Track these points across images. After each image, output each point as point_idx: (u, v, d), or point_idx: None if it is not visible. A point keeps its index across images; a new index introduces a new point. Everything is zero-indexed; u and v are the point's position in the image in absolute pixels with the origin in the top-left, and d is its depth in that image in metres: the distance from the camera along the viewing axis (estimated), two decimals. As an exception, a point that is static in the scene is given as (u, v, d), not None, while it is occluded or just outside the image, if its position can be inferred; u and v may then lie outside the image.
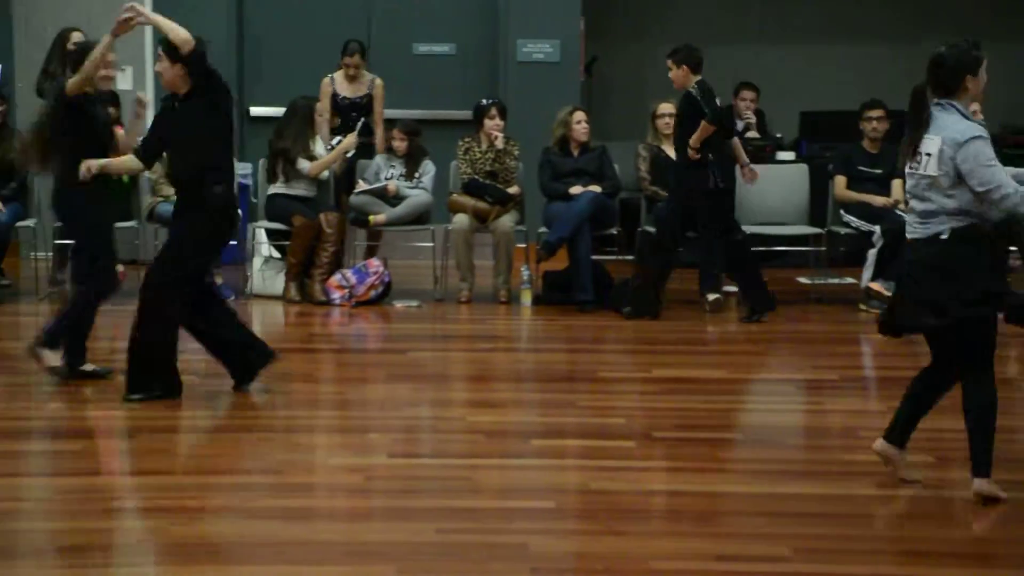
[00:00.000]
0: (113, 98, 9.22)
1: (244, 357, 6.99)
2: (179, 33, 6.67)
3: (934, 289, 5.20)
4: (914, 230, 5.31)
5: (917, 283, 5.29)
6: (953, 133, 5.19)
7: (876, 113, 9.96)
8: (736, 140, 9.59)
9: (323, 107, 10.29)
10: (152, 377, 6.76)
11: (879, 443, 5.53)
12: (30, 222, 9.95)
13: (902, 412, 5.51)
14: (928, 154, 5.22)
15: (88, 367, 7.20)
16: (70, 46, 9.99)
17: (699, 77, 9.16)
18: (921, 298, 5.25)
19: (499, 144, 9.83)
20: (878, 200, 9.64)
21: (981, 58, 5.29)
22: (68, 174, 7.05)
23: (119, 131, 7.65)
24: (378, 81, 10.49)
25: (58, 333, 7.11)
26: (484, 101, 10.06)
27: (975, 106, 9.57)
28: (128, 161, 7.17)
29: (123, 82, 11.50)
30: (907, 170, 5.33)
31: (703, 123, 8.91)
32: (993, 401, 5.25)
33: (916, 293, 5.29)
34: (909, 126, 5.37)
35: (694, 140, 8.96)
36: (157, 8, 11.61)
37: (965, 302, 5.14)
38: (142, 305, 6.75)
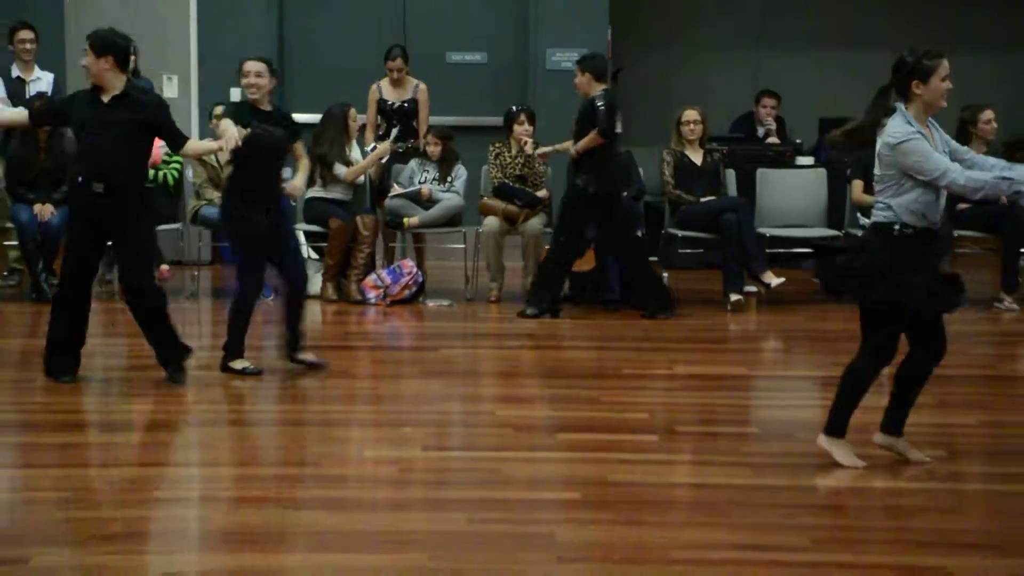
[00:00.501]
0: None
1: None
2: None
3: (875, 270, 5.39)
4: (875, 215, 5.49)
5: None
6: (888, 137, 5.35)
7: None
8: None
9: (370, 113, 10.32)
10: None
11: (878, 436, 5.64)
12: (80, 224, 9.99)
13: (891, 401, 5.67)
14: (876, 155, 5.43)
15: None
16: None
17: (604, 86, 9.17)
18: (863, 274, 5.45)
19: (528, 149, 9.84)
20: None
21: (931, 67, 5.36)
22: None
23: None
24: (422, 86, 10.51)
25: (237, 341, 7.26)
26: (514, 108, 10.07)
27: (988, 114, 9.60)
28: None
29: (169, 90, 11.59)
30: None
31: (592, 133, 8.94)
32: (865, 377, 5.56)
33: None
34: (861, 128, 5.58)
35: (580, 146, 9.01)
36: (202, 21, 11.79)
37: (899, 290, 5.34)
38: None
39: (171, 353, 7.07)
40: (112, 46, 6.83)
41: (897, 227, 5.34)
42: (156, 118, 7.00)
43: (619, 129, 9.14)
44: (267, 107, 7.30)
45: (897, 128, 5.33)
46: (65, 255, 7.09)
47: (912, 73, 5.37)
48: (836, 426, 5.60)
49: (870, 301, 5.43)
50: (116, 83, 6.85)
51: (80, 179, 6.88)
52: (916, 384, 5.61)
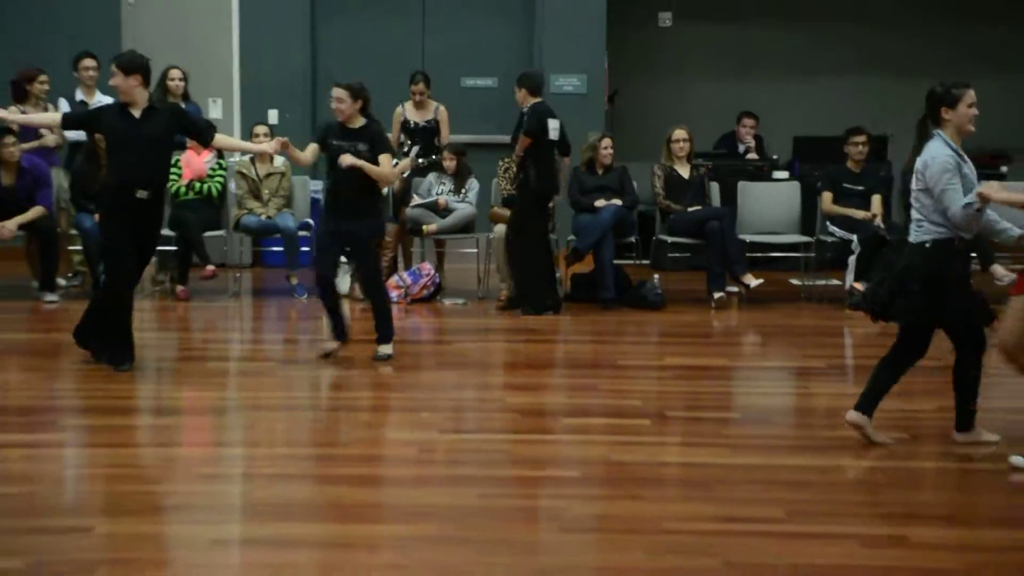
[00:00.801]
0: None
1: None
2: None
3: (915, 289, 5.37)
4: (911, 235, 5.50)
5: (903, 282, 5.42)
6: (926, 156, 5.40)
7: (859, 138, 9.94)
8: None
9: (394, 132, 10.32)
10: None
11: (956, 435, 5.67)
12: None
13: (956, 398, 5.66)
14: (915, 171, 5.46)
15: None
16: (168, 82, 10.16)
17: (538, 99, 9.21)
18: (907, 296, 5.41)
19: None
20: (859, 213, 9.63)
21: (958, 96, 5.42)
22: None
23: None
24: (442, 108, 10.50)
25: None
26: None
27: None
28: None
29: (214, 112, 11.62)
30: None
31: (522, 136, 9.08)
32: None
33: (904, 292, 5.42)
34: (913, 150, 5.60)
35: (518, 149, 9.12)
36: (243, 51, 11.80)
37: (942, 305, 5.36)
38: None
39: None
40: (139, 66, 6.93)
41: (929, 243, 5.37)
42: (182, 122, 7.21)
43: (553, 136, 9.16)
44: (355, 125, 7.31)
45: (937, 149, 5.38)
46: (111, 258, 7.10)
47: (939, 100, 5.44)
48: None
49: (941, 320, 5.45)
50: (142, 99, 6.90)
51: (120, 186, 6.91)
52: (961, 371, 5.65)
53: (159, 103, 7.37)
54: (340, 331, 7.43)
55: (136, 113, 6.92)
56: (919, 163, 5.44)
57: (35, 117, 8.40)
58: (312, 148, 7.44)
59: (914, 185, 5.48)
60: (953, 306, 5.41)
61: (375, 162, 7.25)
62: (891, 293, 5.45)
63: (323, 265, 7.39)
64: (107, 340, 7.11)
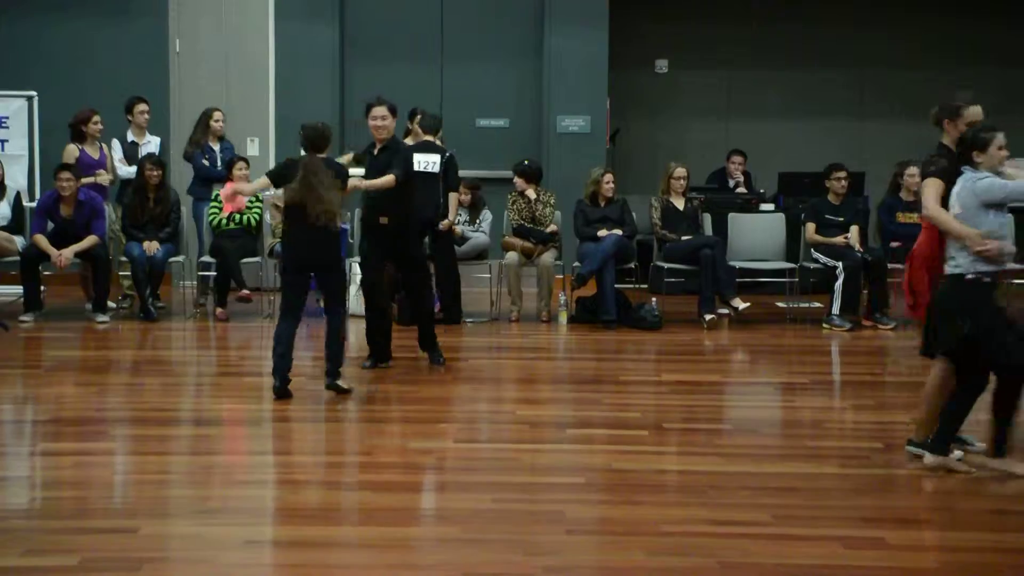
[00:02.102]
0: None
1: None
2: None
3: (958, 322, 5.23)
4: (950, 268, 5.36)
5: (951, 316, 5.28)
6: (967, 180, 5.30)
7: (840, 174, 9.92)
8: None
9: None
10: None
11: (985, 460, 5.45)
12: (180, 258, 10.04)
13: (994, 426, 5.42)
14: (952, 203, 5.34)
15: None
16: (212, 123, 10.21)
17: (430, 137, 9.21)
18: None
19: (531, 195, 9.86)
20: (838, 241, 9.61)
21: (988, 139, 5.31)
22: None
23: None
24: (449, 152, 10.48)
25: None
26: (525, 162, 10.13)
27: (913, 170, 9.58)
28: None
29: (252, 149, 11.64)
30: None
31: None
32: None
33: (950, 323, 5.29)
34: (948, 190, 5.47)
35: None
36: (279, 93, 11.84)
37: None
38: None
39: None
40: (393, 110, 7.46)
41: (971, 276, 5.25)
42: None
43: (421, 167, 8.83)
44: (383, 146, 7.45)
45: (972, 174, 5.29)
46: (364, 273, 7.66)
47: (971, 145, 5.34)
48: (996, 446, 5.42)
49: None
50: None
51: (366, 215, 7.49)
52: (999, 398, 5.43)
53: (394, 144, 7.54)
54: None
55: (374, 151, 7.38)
56: (960, 186, 5.28)
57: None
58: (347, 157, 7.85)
59: (955, 208, 5.30)
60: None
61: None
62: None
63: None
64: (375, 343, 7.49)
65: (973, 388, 5.32)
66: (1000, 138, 5.33)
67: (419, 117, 9.70)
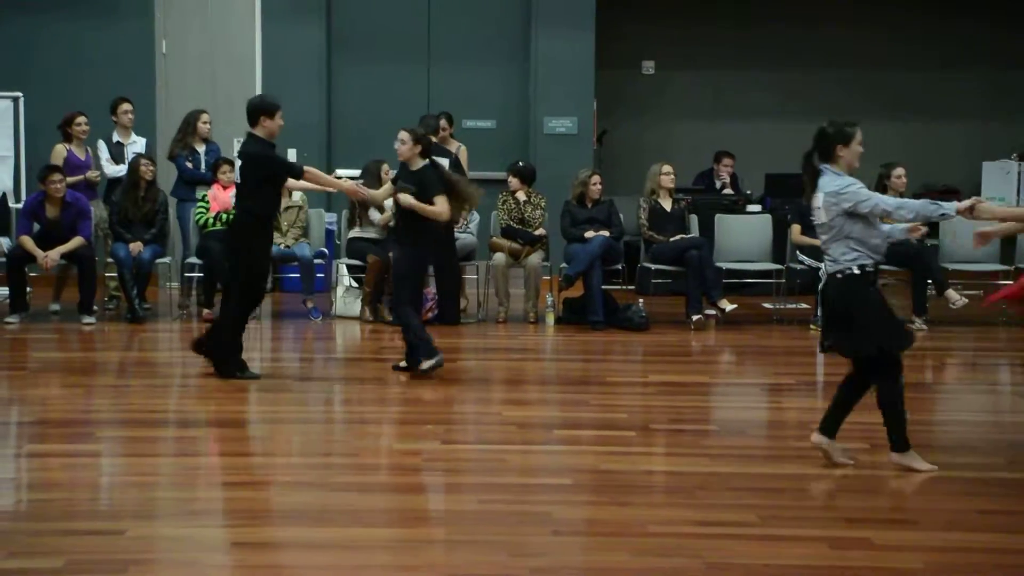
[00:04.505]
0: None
1: None
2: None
3: (843, 322, 5.29)
4: (827, 267, 5.42)
5: (834, 315, 5.36)
6: (829, 187, 5.32)
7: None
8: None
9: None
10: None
11: (815, 436, 5.51)
12: (167, 259, 10.01)
13: (832, 410, 5.49)
14: (817, 208, 5.36)
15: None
16: (200, 124, 10.20)
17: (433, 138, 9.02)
18: (838, 328, 5.33)
19: (521, 196, 9.86)
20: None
21: (851, 134, 5.35)
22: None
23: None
24: (463, 147, 10.49)
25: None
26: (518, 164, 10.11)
27: (899, 171, 9.64)
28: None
29: (238, 149, 11.60)
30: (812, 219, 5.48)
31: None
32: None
33: (834, 324, 5.36)
34: (805, 186, 5.53)
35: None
36: (265, 91, 11.80)
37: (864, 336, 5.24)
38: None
39: None
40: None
41: (841, 274, 5.28)
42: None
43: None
44: (415, 167, 7.46)
45: (835, 180, 5.31)
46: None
47: (835, 139, 5.36)
48: (902, 441, 5.41)
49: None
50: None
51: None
52: (859, 396, 5.49)
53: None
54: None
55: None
56: (823, 198, 5.30)
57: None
58: (387, 188, 7.83)
59: (822, 218, 5.33)
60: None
61: (425, 202, 7.36)
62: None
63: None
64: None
65: (889, 376, 5.34)
66: (860, 133, 5.37)
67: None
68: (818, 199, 5.36)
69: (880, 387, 5.35)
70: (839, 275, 5.31)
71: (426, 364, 7.28)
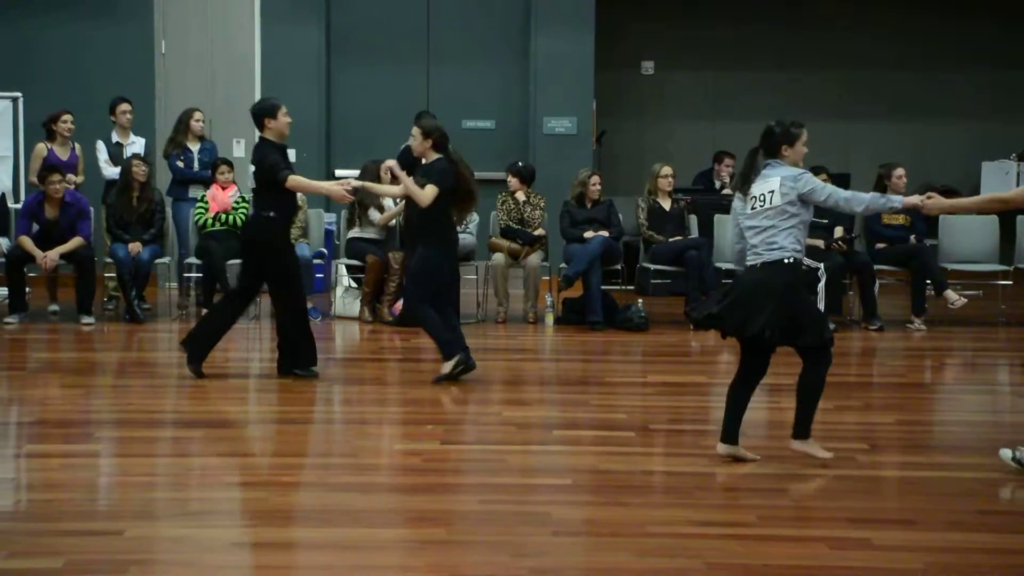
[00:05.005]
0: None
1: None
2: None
3: (765, 305, 5.28)
4: (754, 258, 5.34)
5: (752, 299, 5.32)
6: (786, 172, 5.34)
7: (821, 177, 9.88)
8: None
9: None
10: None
11: (721, 446, 5.50)
12: (166, 259, 10.01)
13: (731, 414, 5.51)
14: (770, 191, 5.31)
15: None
16: (192, 123, 10.18)
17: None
18: (754, 310, 5.32)
19: (520, 197, 9.86)
20: (821, 243, 9.63)
21: (798, 135, 5.40)
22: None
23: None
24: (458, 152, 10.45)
25: None
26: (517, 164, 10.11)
27: (900, 171, 9.66)
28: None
29: (238, 151, 11.61)
30: (748, 211, 5.39)
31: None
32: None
33: (749, 306, 5.34)
34: (741, 178, 5.51)
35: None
36: (265, 95, 11.81)
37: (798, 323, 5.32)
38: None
39: None
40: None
41: (790, 259, 5.28)
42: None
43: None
44: (428, 160, 7.44)
45: (788, 169, 5.34)
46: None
47: (781, 138, 5.40)
48: (807, 429, 5.48)
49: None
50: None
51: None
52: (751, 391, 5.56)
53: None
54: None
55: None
56: (780, 181, 5.27)
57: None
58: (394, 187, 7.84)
59: (777, 200, 5.27)
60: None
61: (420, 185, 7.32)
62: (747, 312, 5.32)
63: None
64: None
65: (826, 362, 5.42)
66: (806, 133, 5.41)
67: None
68: (770, 183, 5.31)
69: (815, 373, 5.41)
70: (787, 260, 5.26)
71: (445, 368, 7.19)
